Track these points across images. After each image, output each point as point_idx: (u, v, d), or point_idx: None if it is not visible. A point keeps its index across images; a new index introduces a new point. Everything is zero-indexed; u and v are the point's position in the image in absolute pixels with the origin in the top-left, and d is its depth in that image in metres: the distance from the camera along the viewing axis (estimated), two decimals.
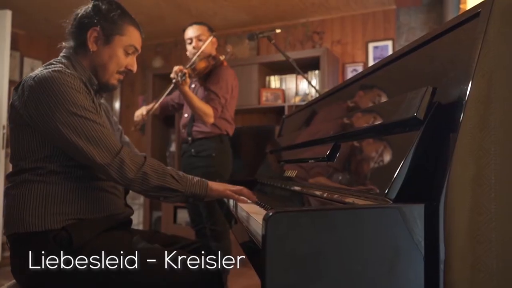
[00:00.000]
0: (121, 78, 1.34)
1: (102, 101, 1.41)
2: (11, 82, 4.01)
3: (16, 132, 1.21)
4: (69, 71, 1.18)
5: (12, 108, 1.21)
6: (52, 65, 1.21)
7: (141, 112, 2.41)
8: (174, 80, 2.19)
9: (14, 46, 4.05)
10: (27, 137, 1.18)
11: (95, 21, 1.25)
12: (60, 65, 1.22)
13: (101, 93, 1.36)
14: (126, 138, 1.59)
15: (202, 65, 2.35)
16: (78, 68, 1.27)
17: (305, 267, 0.65)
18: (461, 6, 2.57)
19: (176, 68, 2.20)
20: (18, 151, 1.20)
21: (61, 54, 1.30)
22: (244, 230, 1.08)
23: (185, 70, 2.19)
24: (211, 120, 2.33)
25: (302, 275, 0.65)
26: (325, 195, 0.96)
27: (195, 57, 2.34)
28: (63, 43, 1.32)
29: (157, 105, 2.42)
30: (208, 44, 2.39)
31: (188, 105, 2.34)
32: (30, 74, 1.19)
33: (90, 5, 1.28)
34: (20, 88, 1.17)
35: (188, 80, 2.21)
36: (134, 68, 1.35)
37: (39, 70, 1.18)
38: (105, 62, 1.28)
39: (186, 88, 2.23)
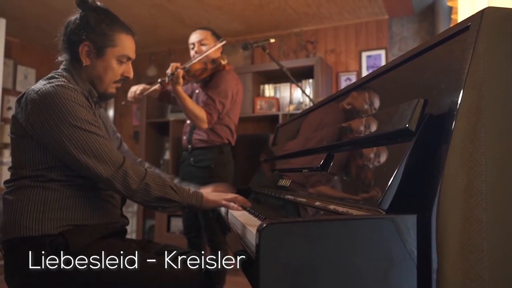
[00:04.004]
0: (118, 86, 1.36)
1: (101, 109, 1.42)
2: (4, 90, 4.00)
3: (17, 143, 1.22)
4: (71, 85, 1.19)
5: (14, 120, 1.22)
6: (54, 79, 1.22)
7: (135, 89, 2.20)
8: (159, 79, 2.08)
9: (7, 54, 4.04)
10: (29, 148, 1.19)
11: (84, 36, 1.25)
12: (62, 79, 1.23)
13: (101, 103, 1.37)
14: (125, 147, 1.59)
15: (196, 67, 2.21)
16: (79, 81, 1.28)
17: (299, 277, 0.66)
18: (453, 16, 2.60)
19: (172, 65, 2.08)
20: (18, 161, 1.22)
21: (61, 66, 1.31)
22: (238, 239, 1.08)
23: (179, 69, 2.06)
24: (205, 125, 2.23)
25: (296, 285, 0.65)
26: (318, 204, 0.96)
27: (195, 60, 2.21)
28: (59, 58, 1.32)
29: (152, 88, 2.17)
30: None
31: (180, 107, 2.21)
32: (33, 87, 1.20)
33: (78, 16, 1.28)
34: (23, 101, 1.18)
35: (181, 81, 2.07)
36: (131, 75, 1.35)
37: (42, 83, 1.19)
38: (101, 74, 1.29)
39: (179, 88, 2.10)
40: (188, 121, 2.47)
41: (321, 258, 0.66)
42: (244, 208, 1.35)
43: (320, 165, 1.05)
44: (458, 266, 0.65)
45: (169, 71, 2.07)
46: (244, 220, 1.14)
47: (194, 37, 2.36)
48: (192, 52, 2.36)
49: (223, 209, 1.44)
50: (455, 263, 0.65)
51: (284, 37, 4.04)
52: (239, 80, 2.44)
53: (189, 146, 2.40)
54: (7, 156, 4.06)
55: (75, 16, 1.29)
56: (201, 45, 2.32)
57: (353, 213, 0.78)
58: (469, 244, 0.66)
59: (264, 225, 0.65)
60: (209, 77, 2.34)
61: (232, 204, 1.30)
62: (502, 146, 0.68)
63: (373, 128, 0.87)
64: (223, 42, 2.27)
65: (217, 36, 2.38)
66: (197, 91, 2.47)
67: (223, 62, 2.31)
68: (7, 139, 4.04)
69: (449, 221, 0.65)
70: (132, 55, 1.34)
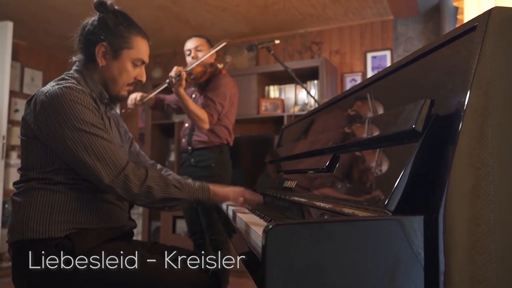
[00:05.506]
0: (130, 89, 1.36)
1: (113, 112, 1.43)
2: (11, 92, 4.03)
3: (26, 144, 1.23)
4: (80, 87, 1.19)
5: (23, 121, 1.23)
6: (64, 81, 1.22)
7: (135, 96, 2.31)
8: (168, 80, 2.18)
9: (15, 56, 4.07)
10: (37, 150, 1.20)
11: (102, 37, 1.26)
12: (72, 80, 1.23)
13: (112, 105, 1.38)
14: (137, 147, 1.60)
15: (198, 69, 2.35)
16: (90, 82, 1.29)
17: (305, 278, 0.65)
18: (458, 16, 2.59)
19: (176, 68, 2.18)
20: (27, 162, 1.23)
21: (73, 68, 1.32)
22: (243, 241, 1.07)
23: (183, 72, 2.17)
24: (206, 126, 2.33)
25: (302, 286, 0.65)
26: (324, 206, 0.96)
27: (194, 64, 2.32)
28: (73, 57, 1.33)
29: (151, 95, 2.31)
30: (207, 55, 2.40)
31: (183, 108, 2.32)
32: (43, 88, 1.20)
33: (96, 18, 1.29)
34: (33, 102, 1.19)
35: (183, 83, 2.19)
36: (143, 78, 1.36)
37: (51, 85, 1.20)
38: (115, 76, 1.30)
39: (181, 90, 2.22)
40: (187, 124, 2.57)
41: (327, 259, 0.66)
42: (250, 210, 1.35)
43: (325, 166, 1.05)
44: (466, 268, 0.65)
45: (173, 74, 2.17)
46: (250, 221, 1.14)
47: (190, 44, 2.50)
48: (188, 59, 2.49)
49: (230, 212, 1.44)
50: (462, 264, 0.65)
51: (288, 38, 4.04)
52: (235, 83, 2.57)
53: (189, 148, 2.49)
54: (14, 158, 4.09)
55: (92, 17, 1.30)
56: (197, 51, 2.46)
57: (359, 214, 0.77)
58: (476, 246, 0.65)
59: (271, 226, 0.65)
60: (206, 82, 2.47)
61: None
62: (509, 147, 0.67)
63: (379, 129, 0.87)
64: (224, 44, 2.39)
65: (211, 44, 2.52)
66: (193, 95, 2.58)
67: (220, 67, 2.47)
68: (15, 141, 4.07)
69: (456, 222, 0.65)
70: (146, 59, 1.35)
